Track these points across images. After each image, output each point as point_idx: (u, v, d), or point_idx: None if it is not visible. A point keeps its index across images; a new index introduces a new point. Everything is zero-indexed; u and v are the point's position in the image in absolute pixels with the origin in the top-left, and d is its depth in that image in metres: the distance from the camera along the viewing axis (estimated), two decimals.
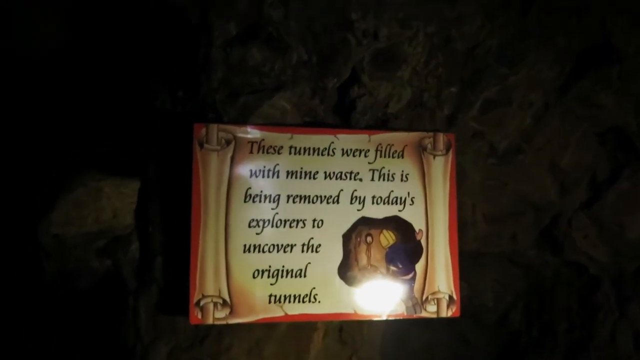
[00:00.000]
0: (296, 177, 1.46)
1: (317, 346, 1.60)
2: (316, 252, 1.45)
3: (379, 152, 1.50)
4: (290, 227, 1.44)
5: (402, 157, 1.52)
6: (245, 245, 1.41)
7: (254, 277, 1.41)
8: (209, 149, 1.40)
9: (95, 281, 1.56)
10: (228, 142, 1.42)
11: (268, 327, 1.51)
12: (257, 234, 1.42)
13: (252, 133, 1.44)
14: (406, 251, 1.50)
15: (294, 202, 1.45)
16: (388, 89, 1.52)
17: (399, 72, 1.51)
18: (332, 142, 1.48)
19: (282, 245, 1.43)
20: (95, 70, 1.61)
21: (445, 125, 1.60)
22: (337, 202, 1.47)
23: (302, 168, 1.46)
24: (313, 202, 1.46)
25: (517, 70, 1.59)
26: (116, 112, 1.58)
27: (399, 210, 1.51)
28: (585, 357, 1.88)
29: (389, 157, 1.51)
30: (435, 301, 1.51)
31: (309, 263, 1.44)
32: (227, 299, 1.39)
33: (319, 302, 1.44)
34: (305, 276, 1.44)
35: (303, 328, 1.56)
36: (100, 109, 1.60)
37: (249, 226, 1.42)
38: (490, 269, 1.94)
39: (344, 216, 1.48)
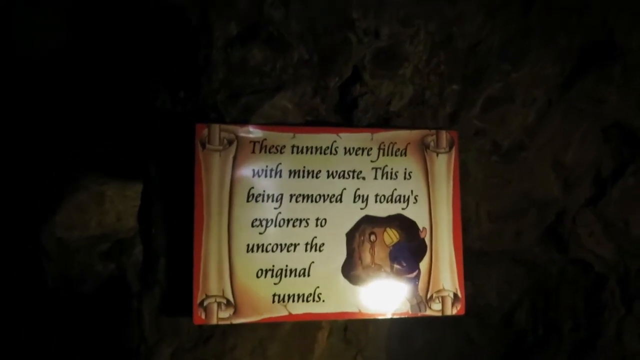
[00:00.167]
0: (299, 177, 1.45)
1: (322, 345, 1.59)
2: (320, 251, 1.45)
3: (381, 151, 1.50)
4: (294, 226, 1.44)
5: (405, 155, 1.52)
6: (248, 245, 1.41)
7: (257, 276, 1.41)
8: (211, 149, 1.40)
9: (99, 285, 1.55)
10: (230, 142, 1.42)
11: (272, 326, 1.51)
12: (260, 233, 1.42)
13: (254, 133, 1.44)
14: (410, 249, 1.50)
15: (297, 201, 1.45)
16: (390, 87, 1.52)
17: (400, 70, 1.51)
18: (335, 141, 1.48)
19: (285, 244, 1.43)
20: (95, 71, 1.61)
21: (448, 123, 1.60)
22: (340, 201, 1.47)
23: (304, 167, 1.46)
24: (316, 201, 1.46)
25: (519, 67, 1.59)
26: (116, 112, 1.57)
27: (403, 209, 1.51)
28: (591, 355, 1.87)
29: (391, 155, 1.51)
30: (440, 299, 1.51)
31: (313, 262, 1.44)
32: (231, 299, 1.39)
33: (323, 301, 1.44)
34: (309, 275, 1.43)
35: (307, 327, 1.56)
36: (100, 109, 1.60)
37: (252, 226, 1.42)
38: (495, 267, 1.93)
39: (348, 215, 1.47)
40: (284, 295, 1.42)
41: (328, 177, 1.47)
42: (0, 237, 1.59)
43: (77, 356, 1.55)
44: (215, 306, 1.38)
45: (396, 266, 1.49)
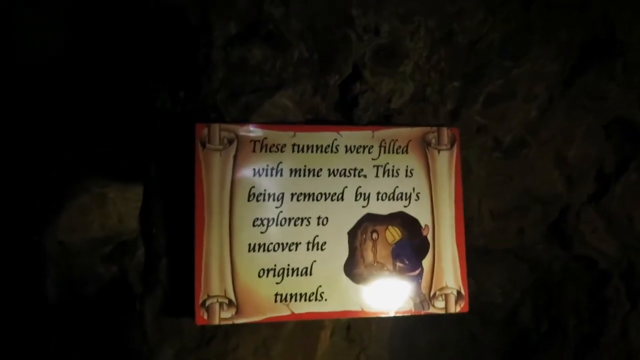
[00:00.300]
0: (300, 175, 1.45)
1: (325, 344, 1.59)
2: (322, 250, 1.44)
3: (382, 148, 1.50)
4: (295, 225, 1.43)
5: (407, 153, 1.51)
6: (250, 245, 1.40)
7: (259, 276, 1.40)
8: (211, 149, 1.40)
9: (101, 287, 1.55)
10: (230, 142, 1.41)
11: (275, 326, 1.50)
12: (261, 232, 1.41)
13: (254, 132, 1.43)
14: (412, 247, 1.49)
15: (298, 200, 1.44)
16: (390, 85, 1.51)
17: (400, 68, 1.51)
18: (335, 139, 1.48)
19: (287, 243, 1.42)
20: (94, 71, 1.61)
21: (449, 120, 1.59)
22: (342, 199, 1.47)
23: (305, 166, 1.45)
24: (317, 200, 1.45)
25: (520, 63, 1.58)
26: (116, 112, 1.57)
27: (405, 206, 1.50)
28: (596, 352, 1.86)
29: (393, 152, 1.50)
30: (443, 297, 1.50)
31: (315, 261, 1.43)
32: (233, 298, 1.38)
33: (326, 300, 1.43)
34: (311, 274, 1.43)
35: (310, 327, 1.55)
36: (100, 110, 1.59)
37: (254, 225, 1.41)
38: (498, 265, 1.92)
39: (349, 213, 1.47)
40: (286, 295, 1.41)
41: (329, 175, 1.46)
42: (0, 239, 1.59)
43: (79, 359, 1.55)
44: (217, 306, 1.37)
45: (399, 264, 1.48)
